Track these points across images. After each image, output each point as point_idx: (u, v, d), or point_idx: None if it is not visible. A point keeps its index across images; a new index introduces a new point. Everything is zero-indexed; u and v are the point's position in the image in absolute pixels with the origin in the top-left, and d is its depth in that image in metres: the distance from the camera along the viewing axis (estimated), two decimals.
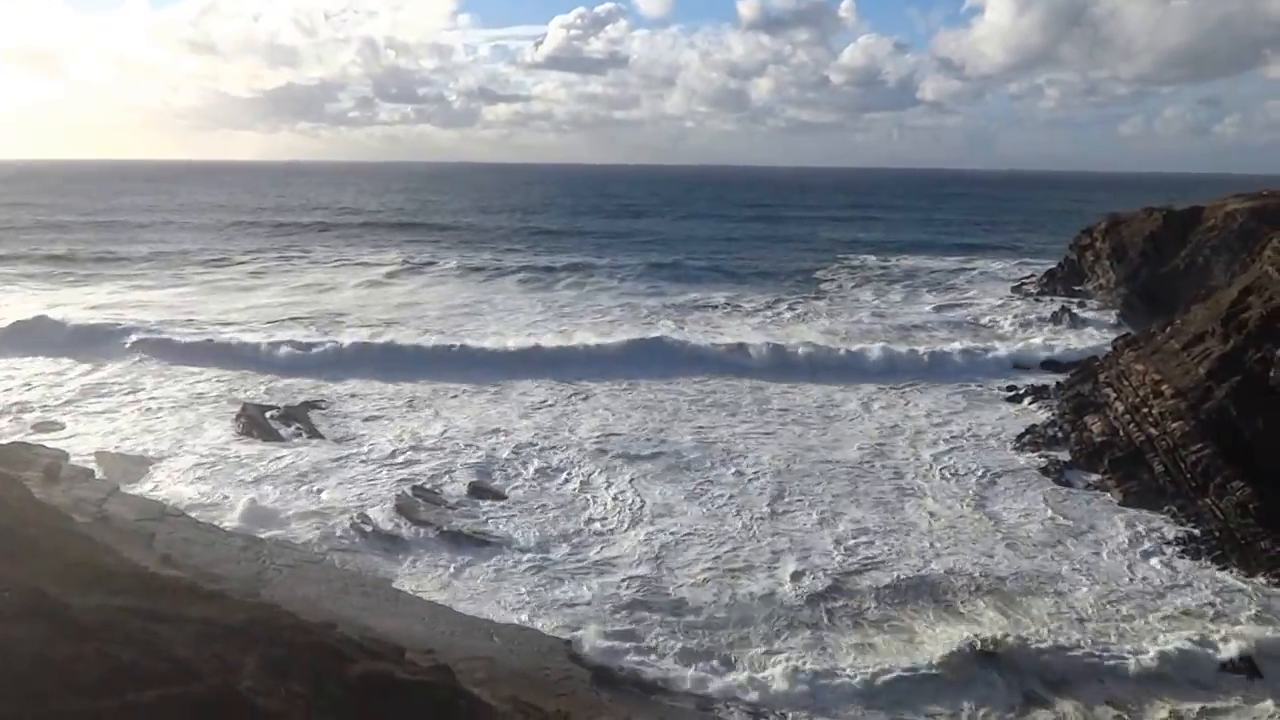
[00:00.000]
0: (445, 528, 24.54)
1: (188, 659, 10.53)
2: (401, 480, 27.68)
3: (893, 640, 19.13)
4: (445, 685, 12.71)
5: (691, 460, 30.11)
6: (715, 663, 18.59)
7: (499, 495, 27.26)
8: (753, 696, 17.17)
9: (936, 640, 18.94)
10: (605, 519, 25.69)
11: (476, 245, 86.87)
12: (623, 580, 22.18)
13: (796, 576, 21.95)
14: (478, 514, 25.83)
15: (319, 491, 26.75)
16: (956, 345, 45.99)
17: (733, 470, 29.38)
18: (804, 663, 18.15)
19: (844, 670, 17.88)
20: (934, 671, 17.68)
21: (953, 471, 29.33)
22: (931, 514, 26.07)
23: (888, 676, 17.53)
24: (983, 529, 24.98)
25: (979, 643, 18.27)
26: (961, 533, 24.74)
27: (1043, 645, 18.33)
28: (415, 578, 21.83)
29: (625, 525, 25.37)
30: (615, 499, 27.10)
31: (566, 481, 28.48)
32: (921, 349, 44.78)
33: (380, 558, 22.69)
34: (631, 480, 28.42)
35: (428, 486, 27.38)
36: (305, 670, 11.41)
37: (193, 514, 23.30)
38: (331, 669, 11.74)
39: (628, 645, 19.23)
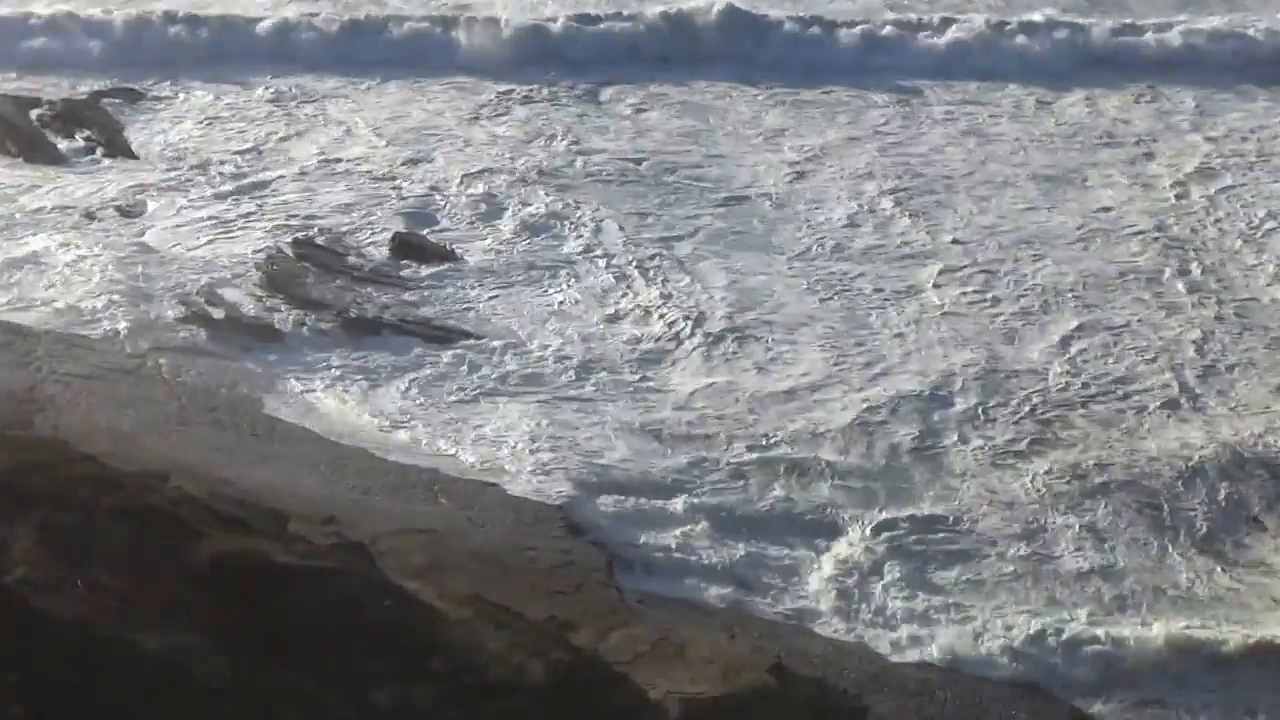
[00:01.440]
0: (354, 312, 24.74)
1: None
2: (275, 228, 27.95)
3: (1171, 562, 19.45)
4: (358, 575, 12.95)
5: (783, 213, 30.30)
6: (825, 560, 19.07)
7: (444, 255, 27.54)
8: (897, 637, 17.66)
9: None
10: (631, 302, 26.12)
11: None
12: (663, 406, 22.51)
13: (975, 414, 22.41)
14: (409, 288, 26.15)
15: (132, 249, 26.81)
16: None
17: (859, 227, 29.60)
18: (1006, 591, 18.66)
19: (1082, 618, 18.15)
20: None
21: (1253, 225, 29.24)
22: (1203, 293, 26.27)
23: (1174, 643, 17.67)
24: None
25: None
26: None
27: None
28: (304, 397, 22.09)
29: (666, 314, 25.70)
30: (646, 269, 27.36)
31: (561, 238, 28.74)
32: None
33: (242, 364, 22.93)
34: (673, 238, 28.70)
35: (320, 241, 27.55)
36: (119, 550, 11.61)
37: None
38: (164, 549, 11.90)
39: (670, 513, 19.58)
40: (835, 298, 26.25)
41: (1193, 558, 19.11)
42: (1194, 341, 24.42)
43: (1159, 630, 17.59)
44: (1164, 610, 18.09)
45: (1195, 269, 27.23)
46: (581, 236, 28.54)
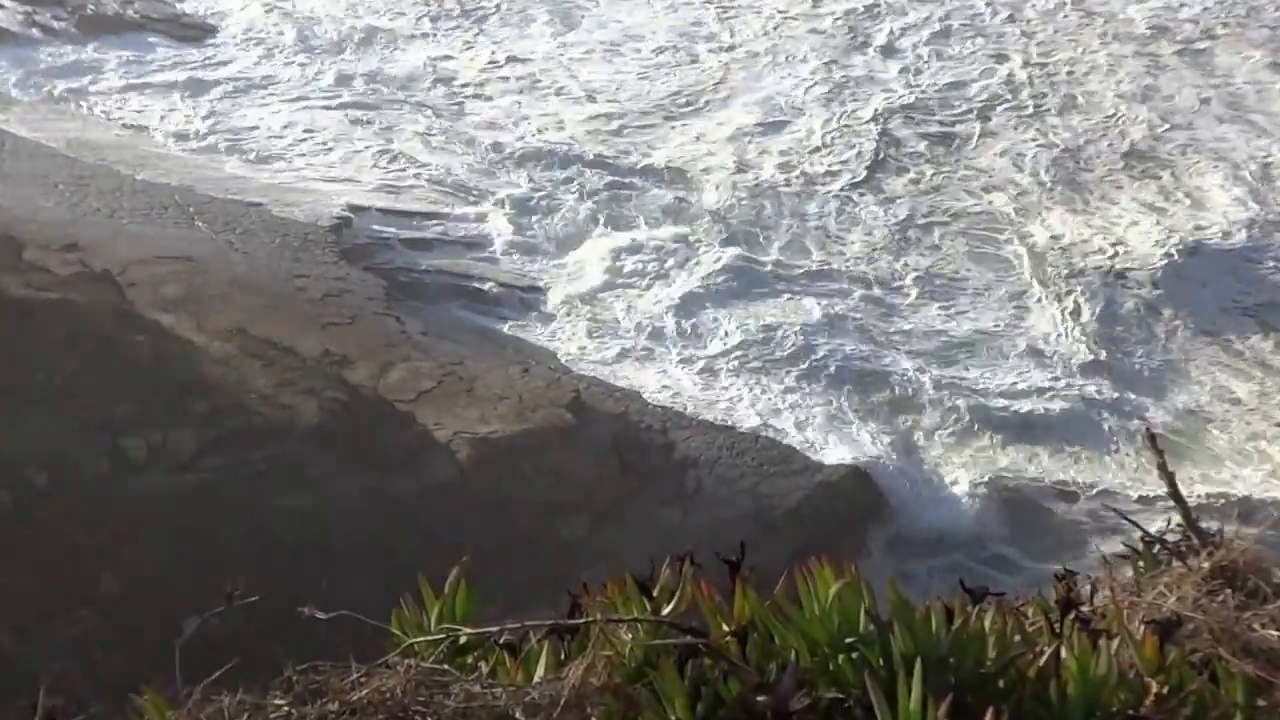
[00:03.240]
0: (91, 8, 24.02)
1: None
2: None
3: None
4: (105, 309, 12.83)
5: None
6: (632, 288, 19.18)
7: None
8: (708, 373, 17.79)
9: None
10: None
11: None
12: (450, 114, 22.37)
13: (817, 139, 22.46)
14: None
15: None
16: None
17: None
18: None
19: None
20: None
21: None
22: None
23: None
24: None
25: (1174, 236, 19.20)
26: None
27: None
28: (38, 106, 21.51)
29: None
30: None
31: None
32: None
33: None
34: None
35: None
36: None
37: None
38: None
39: (459, 232, 19.50)
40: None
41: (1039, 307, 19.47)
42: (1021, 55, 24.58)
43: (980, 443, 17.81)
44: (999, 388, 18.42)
45: None
46: None
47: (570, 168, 21.03)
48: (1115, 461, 16.75)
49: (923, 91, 23.40)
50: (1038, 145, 22.01)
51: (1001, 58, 24.60)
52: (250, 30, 23.93)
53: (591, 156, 21.45)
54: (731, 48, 24.58)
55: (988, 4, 25.98)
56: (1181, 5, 26.32)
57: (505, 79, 23.15)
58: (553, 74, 23.31)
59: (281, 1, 25.16)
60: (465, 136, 21.68)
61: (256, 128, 21.41)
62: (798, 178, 21.27)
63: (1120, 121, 22.43)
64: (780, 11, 25.59)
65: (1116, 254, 19.56)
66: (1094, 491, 16.32)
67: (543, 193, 20.53)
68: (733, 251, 19.73)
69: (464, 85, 22.82)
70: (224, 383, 13.01)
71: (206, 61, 22.96)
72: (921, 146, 22.23)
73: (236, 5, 24.73)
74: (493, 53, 23.91)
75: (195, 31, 23.47)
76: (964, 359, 17.97)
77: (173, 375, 12.70)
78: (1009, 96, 23.35)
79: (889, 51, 24.66)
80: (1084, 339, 18.32)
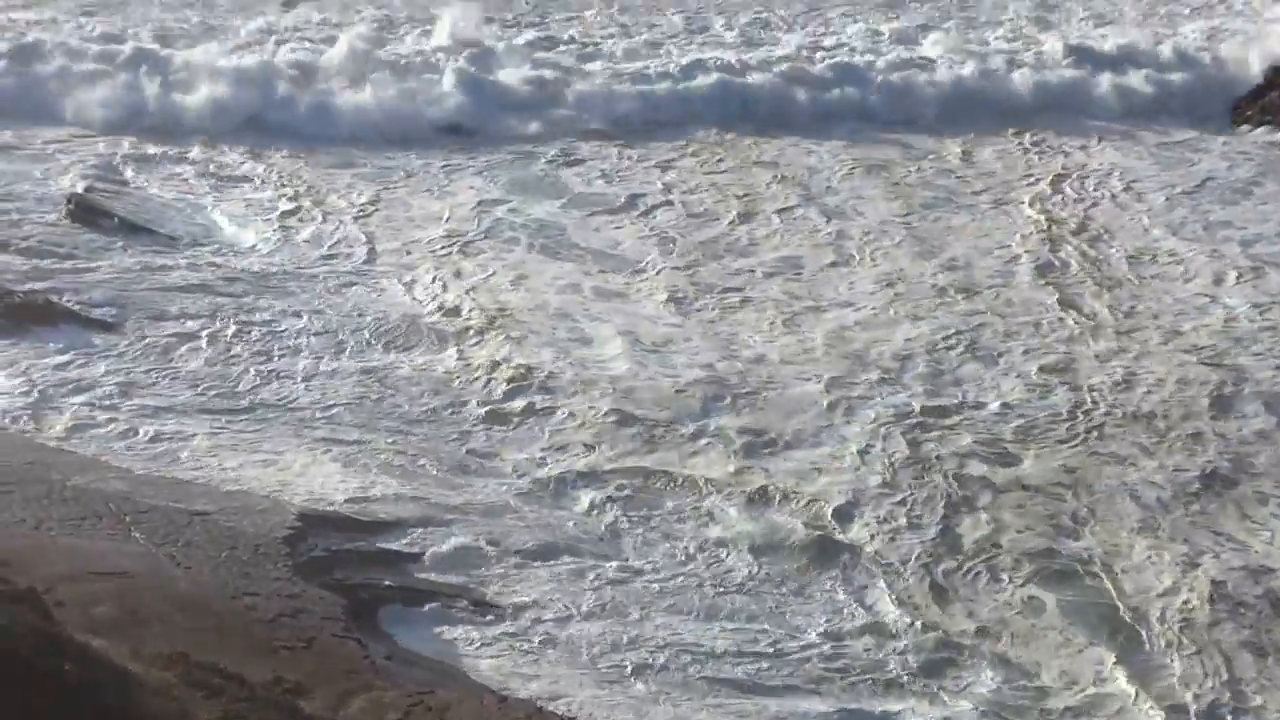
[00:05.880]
0: (18, 295, 24.58)
1: None
2: None
3: None
4: (27, 631, 12.30)
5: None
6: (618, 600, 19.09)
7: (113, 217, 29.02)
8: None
9: None
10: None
11: None
12: (427, 402, 22.91)
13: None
14: (75, 257, 26.64)
15: None
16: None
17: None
18: None
19: None
20: None
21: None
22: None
23: None
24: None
25: None
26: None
27: None
28: None
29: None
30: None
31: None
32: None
33: None
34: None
35: None
36: None
37: None
38: None
39: (427, 545, 19.51)
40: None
41: None
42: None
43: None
44: None
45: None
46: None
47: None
48: None
49: None
50: None
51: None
52: (202, 323, 24.19)
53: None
54: None
55: None
56: None
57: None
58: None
59: (232, 287, 25.29)
60: (438, 431, 21.81)
61: (201, 430, 21.45)
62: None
63: None
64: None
65: None
66: None
67: (531, 489, 20.88)
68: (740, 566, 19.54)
69: (428, 354, 23.42)
70: (163, 716, 12.73)
71: (148, 361, 23.09)
72: None
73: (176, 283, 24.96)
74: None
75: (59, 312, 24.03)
76: None
77: (105, 707, 12.36)
78: None
79: None
80: None
